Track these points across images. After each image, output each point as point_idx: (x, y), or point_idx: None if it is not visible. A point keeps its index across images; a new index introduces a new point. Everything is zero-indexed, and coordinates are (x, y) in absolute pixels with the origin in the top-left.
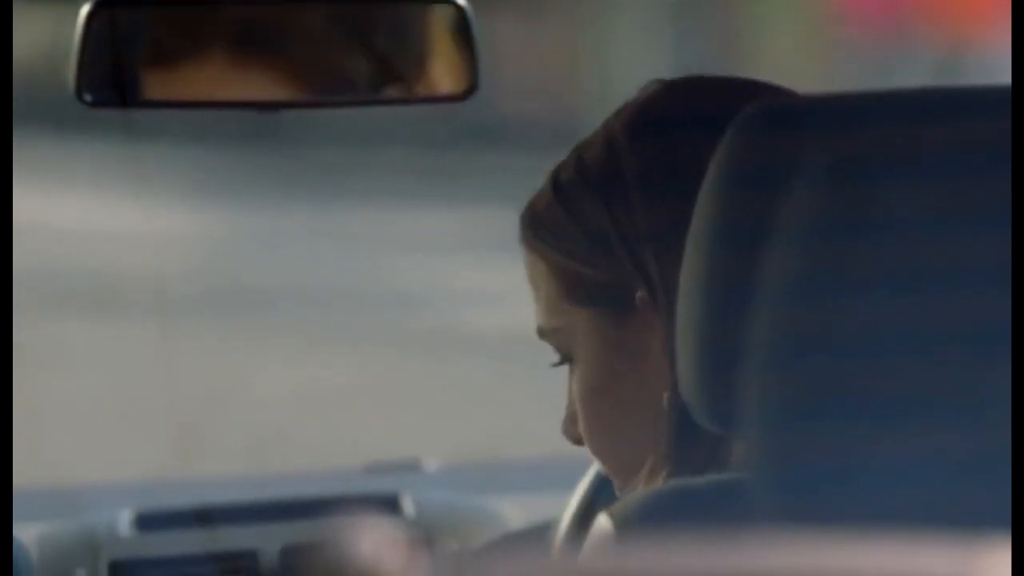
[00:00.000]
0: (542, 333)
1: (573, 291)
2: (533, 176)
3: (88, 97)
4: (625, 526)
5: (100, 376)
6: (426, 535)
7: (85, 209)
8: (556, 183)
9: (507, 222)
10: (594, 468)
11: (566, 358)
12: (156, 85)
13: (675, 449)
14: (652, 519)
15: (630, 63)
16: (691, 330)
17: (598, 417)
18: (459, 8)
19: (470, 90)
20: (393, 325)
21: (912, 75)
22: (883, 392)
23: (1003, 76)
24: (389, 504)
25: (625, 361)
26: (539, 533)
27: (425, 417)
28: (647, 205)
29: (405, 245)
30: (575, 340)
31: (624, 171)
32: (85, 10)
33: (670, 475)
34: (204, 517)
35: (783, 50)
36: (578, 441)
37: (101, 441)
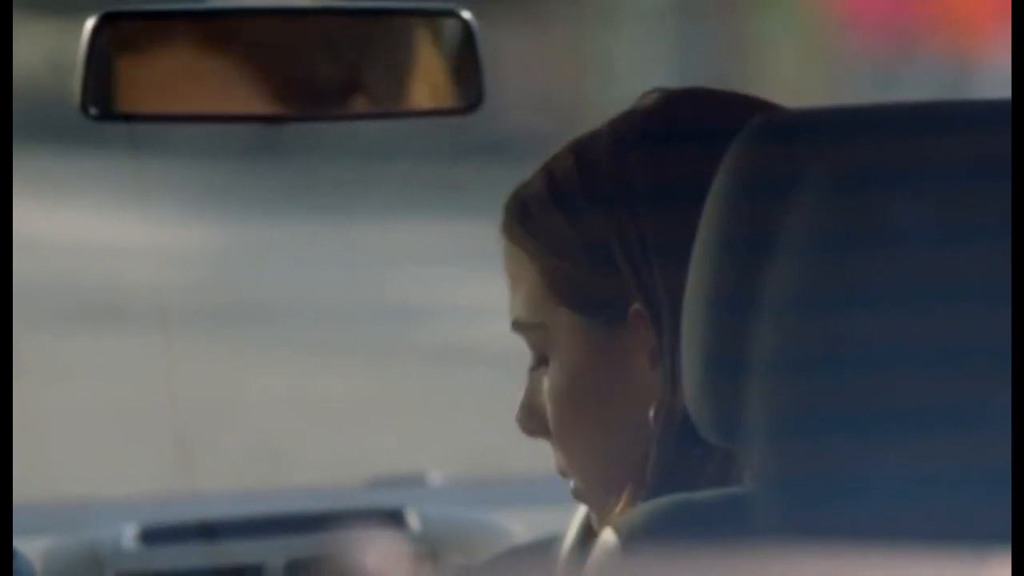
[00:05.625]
0: (518, 326)
1: (561, 291)
2: None
3: (93, 110)
4: (630, 540)
5: (103, 389)
6: (431, 549)
7: (87, 222)
8: (552, 180)
9: None
10: None
11: (541, 356)
12: (160, 99)
13: (661, 463)
14: (657, 533)
15: (635, 76)
16: (695, 342)
17: (573, 425)
18: (464, 21)
19: (476, 103)
20: (397, 338)
21: (917, 87)
22: (887, 405)
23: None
24: (394, 518)
25: (609, 372)
26: (544, 547)
27: (430, 431)
28: (654, 217)
29: (409, 258)
30: (555, 340)
31: (631, 181)
32: (90, 24)
33: (653, 490)
34: (209, 531)
35: (787, 61)
36: (532, 433)
37: (105, 455)
